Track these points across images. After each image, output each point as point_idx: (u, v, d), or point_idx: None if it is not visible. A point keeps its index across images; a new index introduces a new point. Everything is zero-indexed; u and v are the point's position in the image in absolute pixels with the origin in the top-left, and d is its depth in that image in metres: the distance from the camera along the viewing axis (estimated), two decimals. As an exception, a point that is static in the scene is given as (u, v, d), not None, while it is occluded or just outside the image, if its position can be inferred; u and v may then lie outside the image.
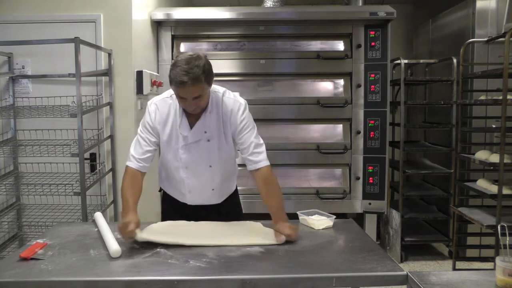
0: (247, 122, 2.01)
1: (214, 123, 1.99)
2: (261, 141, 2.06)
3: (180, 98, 1.87)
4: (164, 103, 2.02)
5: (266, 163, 2.02)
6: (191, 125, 1.99)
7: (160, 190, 2.32)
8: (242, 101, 2.04)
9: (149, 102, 2.06)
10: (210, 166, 2.04)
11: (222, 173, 2.09)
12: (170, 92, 2.03)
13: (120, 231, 1.79)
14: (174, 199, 2.19)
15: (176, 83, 1.80)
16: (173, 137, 2.01)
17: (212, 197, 2.15)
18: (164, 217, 2.20)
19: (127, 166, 2.02)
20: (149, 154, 2.02)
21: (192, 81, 1.78)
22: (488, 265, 3.50)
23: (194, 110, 1.92)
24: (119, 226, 1.81)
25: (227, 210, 2.20)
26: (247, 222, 2.09)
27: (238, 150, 2.14)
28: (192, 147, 2.01)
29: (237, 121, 1.99)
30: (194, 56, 1.84)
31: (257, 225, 2.05)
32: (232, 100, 2.02)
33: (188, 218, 2.09)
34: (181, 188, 2.11)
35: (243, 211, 2.34)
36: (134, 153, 2.01)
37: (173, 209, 2.20)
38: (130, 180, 1.98)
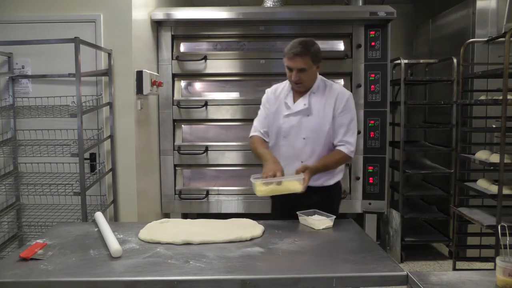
0: (349, 108, 2.28)
1: (317, 102, 2.29)
2: (355, 130, 2.30)
3: (288, 70, 2.22)
4: (279, 85, 2.43)
5: (348, 149, 2.25)
6: (295, 101, 2.32)
7: None
8: (349, 92, 2.34)
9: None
10: (304, 138, 2.28)
11: (313, 148, 2.28)
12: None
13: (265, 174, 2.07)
14: None
15: (288, 53, 2.19)
16: (280, 108, 2.34)
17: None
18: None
19: (252, 136, 2.38)
20: (267, 128, 2.37)
21: (302, 49, 2.17)
22: (488, 265, 3.50)
23: (298, 85, 2.24)
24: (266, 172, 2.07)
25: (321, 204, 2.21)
26: (242, 219, 2.11)
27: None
28: (292, 117, 2.30)
29: (341, 105, 2.27)
30: (309, 39, 2.25)
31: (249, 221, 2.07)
32: (340, 86, 2.39)
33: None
34: (278, 156, 2.28)
35: (243, 211, 2.34)
36: (258, 125, 2.39)
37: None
38: (259, 141, 2.34)
